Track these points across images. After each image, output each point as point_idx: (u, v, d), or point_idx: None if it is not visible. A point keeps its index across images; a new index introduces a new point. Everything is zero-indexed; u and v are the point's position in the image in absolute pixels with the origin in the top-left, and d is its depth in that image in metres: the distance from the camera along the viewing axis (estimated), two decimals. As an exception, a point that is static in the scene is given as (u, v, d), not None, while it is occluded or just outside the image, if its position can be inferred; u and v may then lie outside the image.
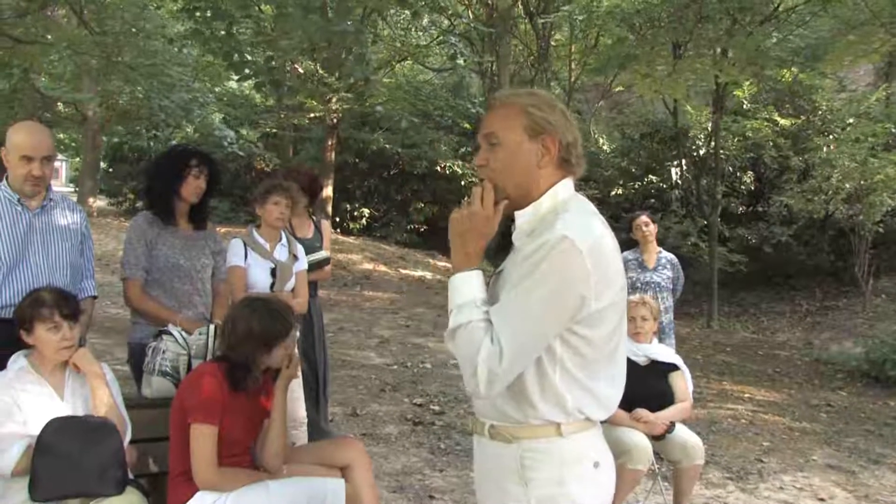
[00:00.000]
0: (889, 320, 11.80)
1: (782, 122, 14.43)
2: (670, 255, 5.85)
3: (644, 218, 5.77)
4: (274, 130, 17.88)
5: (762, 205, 15.19)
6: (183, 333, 3.22)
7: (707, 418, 6.62)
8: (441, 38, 15.19)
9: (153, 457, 2.99)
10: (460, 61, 14.46)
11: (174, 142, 16.52)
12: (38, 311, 2.70)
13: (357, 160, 17.41)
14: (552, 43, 16.59)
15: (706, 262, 13.57)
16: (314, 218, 4.80)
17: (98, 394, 2.75)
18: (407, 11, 10.84)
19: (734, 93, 14.00)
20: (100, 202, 18.70)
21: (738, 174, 15.21)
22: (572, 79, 16.90)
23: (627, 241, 5.57)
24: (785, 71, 13.35)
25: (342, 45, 9.62)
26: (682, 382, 4.13)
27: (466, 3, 16.22)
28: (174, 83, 13.42)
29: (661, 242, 6.04)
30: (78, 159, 24.28)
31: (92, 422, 2.68)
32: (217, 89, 18.36)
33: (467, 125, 17.91)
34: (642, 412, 3.86)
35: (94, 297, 3.40)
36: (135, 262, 3.43)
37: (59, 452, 2.54)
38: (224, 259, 3.76)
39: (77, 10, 10.18)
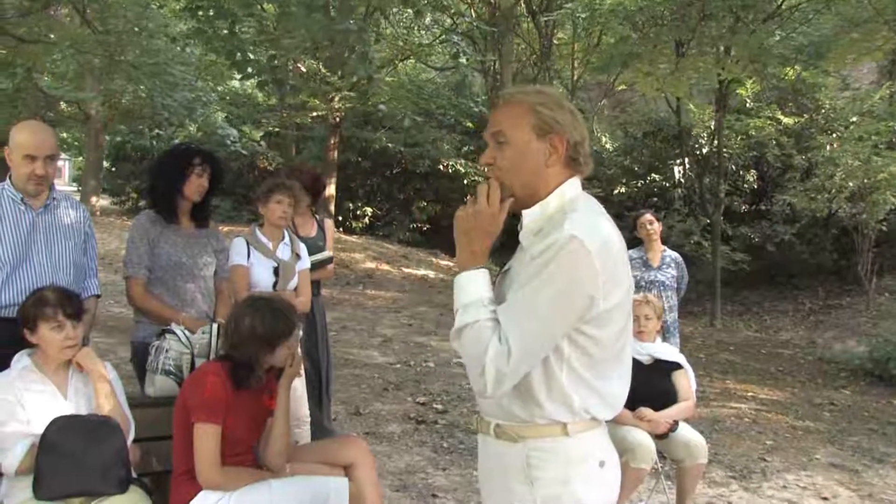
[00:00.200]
0: (892, 319, 11.77)
1: (785, 120, 14.40)
2: (674, 254, 5.81)
3: (648, 216, 5.73)
4: (277, 129, 17.91)
5: (765, 203, 15.15)
6: (186, 332, 3.22)
7: (710, 417, 6.61)
8: (444, 36, 15.23)
9: (156, 456, 2.99)
10: (463, 60, 14.47)
11: (177, 141, 16.52)
12: (42, 310, 2.70)
13: (360, 159, 17.42)
14: (555, 41, 16.56)
15: (709, 261, 13.54)
16: (317, 217, 4.80)
17: (101, 393, 2.75)
18: (410, 10, 10.82)
19: (737, 91, 13.96)
20: (103, 201, 18.74)
21: (741, 173, 15.17)
22: (575, 77, 16.88)
23: (631, 240, 5.52)
24: (788, 69, 13.33)
25: (345, 44, 9.61)
26: (686, 381, 4.12)
27: (469, 1, 16.22)
28: (177, 82, 13.44)
29: (664, 241, 6.00)
30: (81, 158, 24.35)
31: (95, 420, 2.68)
32: (220, 88, 18.40)
33: (470, 124, 17.91)
34: (646, 411, 3.85)
35: (98, 296, 3.40)
36: (137, 261, 3.43)
37: (63, 451, 2.54)
38: (226, 257, 3.76)
39: (80, 9, 10.20)
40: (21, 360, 2.74)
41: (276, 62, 8.73)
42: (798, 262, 14.46)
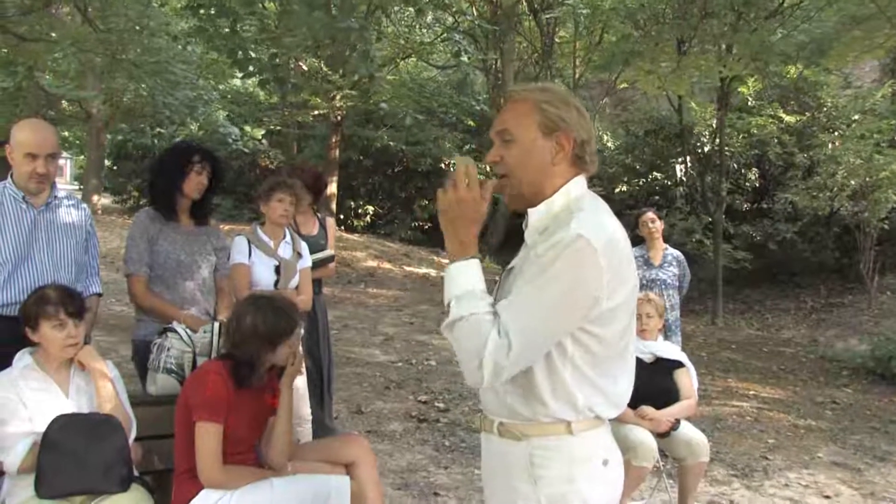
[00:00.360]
0: (894, 317, 11.76)
1: (787, 118, 14.37)
2: (676, 252, 5.77)
3: (650, 214, 5.69)
4: (278, 128, 17.92)
5: (767, 202, 15.13)
6: (188, 331, 3.22)
7: (712, 415, 6.61)
8: (445, 35, 15.21)
9: (158, 454, 2.99)
10: (464, 58, 14.42)
11: (178, 139, 16.54)
12: (44, 308, 2.70)
13: (361, 157, 17.42)
14: (556, 39, 16.54)
15: (711, 260, 13.53)
16: (318, 215, 4.80)
17: (103, 391, 2.75)
18: (411, 8, 10.80)
19: (739, 89, 13.93)
20: (104, 200, 18.74)
21: (743, 171, 15.15)
22: (576, 75, 16.85)
23: (633, 238, 5.47)
24: (790, 67, 13.29)
25: (346, 42, 9.59)
26: (687, 379, 4.12)
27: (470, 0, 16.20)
28: (178, 80, 13.42)
29: (665, 239, 5.96)
30: (82, 157, 24.36)
31: (97, 419, 2.68)
32: (221, 86, 18.39)
33: (471, 122, 17.90)
34: (647, 409, 3.85)
35: (99, 295, 3.40)
36: (137, 259, 3.43)
37: (65, 449, 2.54)
38: (226, 255, 3.77)
39: (81, 7, 10.19)
40: (23, 358, 2.74)
41: (277, 60, 8.74)
42: (800, 261, 14.43)
